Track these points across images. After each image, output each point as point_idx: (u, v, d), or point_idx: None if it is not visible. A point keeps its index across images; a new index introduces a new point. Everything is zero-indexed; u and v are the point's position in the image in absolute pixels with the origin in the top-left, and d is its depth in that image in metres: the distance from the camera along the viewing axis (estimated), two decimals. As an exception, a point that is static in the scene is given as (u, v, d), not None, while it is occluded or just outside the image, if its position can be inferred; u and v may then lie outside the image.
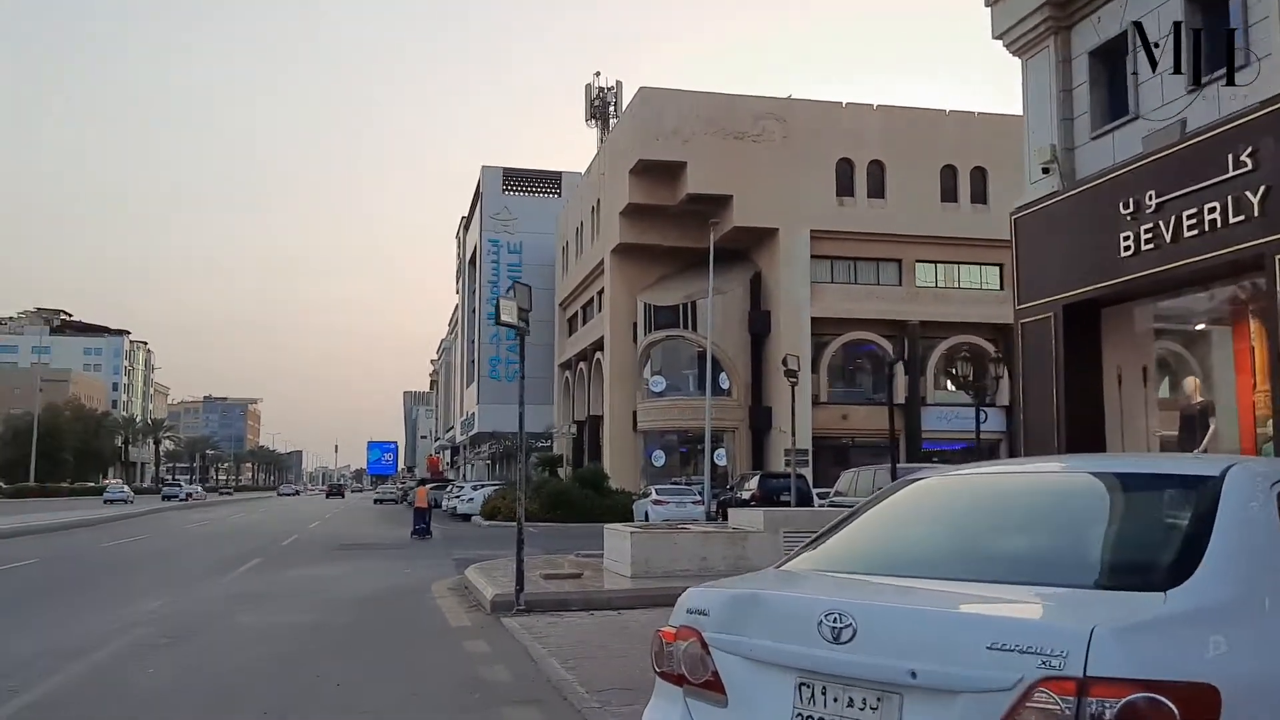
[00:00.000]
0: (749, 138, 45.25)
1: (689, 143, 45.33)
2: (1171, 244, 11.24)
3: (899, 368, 45.07)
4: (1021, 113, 14.31)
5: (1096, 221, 12.44)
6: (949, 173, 46.59)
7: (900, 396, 45.68)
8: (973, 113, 47.35)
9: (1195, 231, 10.91)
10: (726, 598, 3.33)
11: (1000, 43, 14.44)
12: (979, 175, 46.58)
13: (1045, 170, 13.43)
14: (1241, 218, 10.30)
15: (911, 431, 44.05)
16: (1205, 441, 12.34)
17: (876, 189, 45.90)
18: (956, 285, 46.54)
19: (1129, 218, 11.86)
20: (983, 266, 46.96)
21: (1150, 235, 11.54)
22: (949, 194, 46.52)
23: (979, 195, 46.47)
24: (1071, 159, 13.39)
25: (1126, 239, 11.90)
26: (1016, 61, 14.39)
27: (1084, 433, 12.94)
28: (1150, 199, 11.51)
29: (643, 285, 51.10)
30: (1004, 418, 44.02)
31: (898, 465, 32.63)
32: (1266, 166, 10.02)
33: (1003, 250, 44.97)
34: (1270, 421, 11.60)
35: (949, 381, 48.11)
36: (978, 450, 43.60)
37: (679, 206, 46.92)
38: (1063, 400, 13.02)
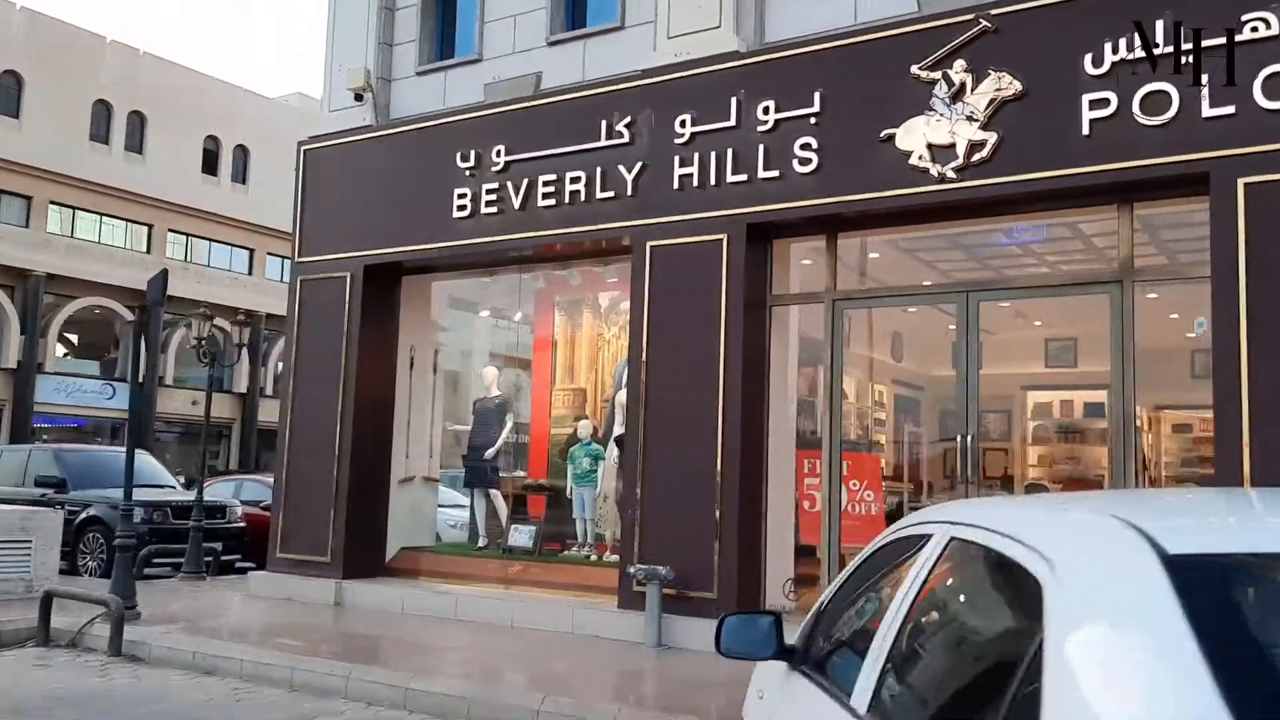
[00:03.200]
0: None
1: None
2: (520, 210, 9.67)
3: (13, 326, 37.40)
4: (327, 27, 11.54)
5: (422, 172, 10.36)
6: (103, 109, 40.31)
7: (12, 360, 38.10)
8: (138, 50, 41.80)
9: (552, 201, 9.49)
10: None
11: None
12: (137, 119, 41.20)
13: (358, 98, 10.90)
14: (611, 194, 9.14)
15: (23, 402, 36.72)
16: (500, 440, 11.04)
17: (11, 106, 37.54)
18: (97, 240, 40.37)
19: (468, 173, 10.01)
20: (130, 224, 41.58)
21: (495, 197, 9.83)
22: (100, 134, 40.26)
23: (135, 144, 41.03)
24: (388, 91, 11.10)
25: (462, 197, 10.02)
26: None
27: (370, 419, 10.68)
28: (498, 155, 9.81)
29: None
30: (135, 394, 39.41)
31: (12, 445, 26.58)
32: (643, 141, 9.02)
33: (155, 210, 40.52)
34: (583, 421, 10.73)
35: (67, 349, 41.60)
36: (93, 431, 38.37)
37: None
38: (353, 380, 10.58)
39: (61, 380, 39.35)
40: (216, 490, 17.17)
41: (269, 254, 41.84)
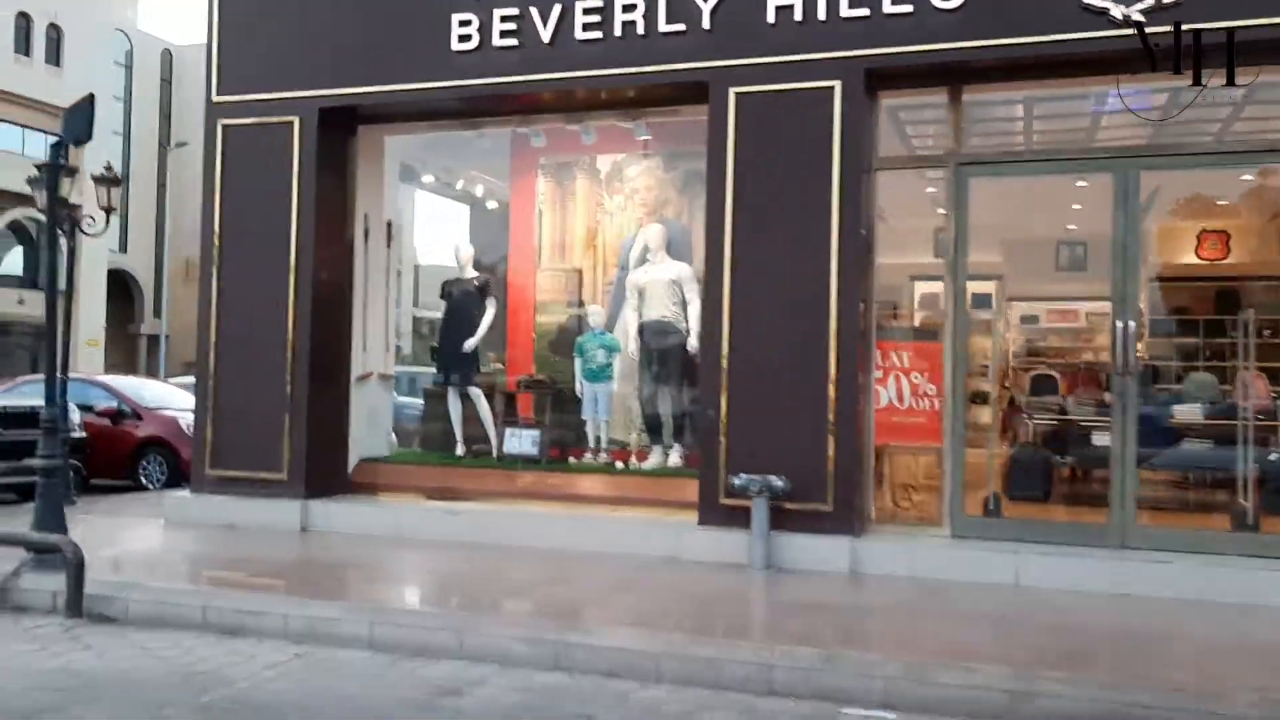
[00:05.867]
0: None
1: None
2: (550, 46, 7.82)
3: None
4: None
5: (405, -12, 8.23)
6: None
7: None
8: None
9: (597, 35, 7.71)
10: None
11: None
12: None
13: (303, -110, 8.48)
14: (680, 27, 7.50)
15: None
16: (481, 329, 9.23)
17: None
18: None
19: (472, -6, 8.01)
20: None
21: (513, 28, 7.91)
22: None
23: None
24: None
25: (465, 25, 8.02)
26: None
27: (327, 305, 8.63)
28: (516, -26, 7.88)
29: None
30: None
31: None
32: (723, -36, 7.42)
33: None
34: (593, 308, 9.16)
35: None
36: None
37: None
38: (308, 256, 8.43)
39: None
40: (25, 393, 14.01)
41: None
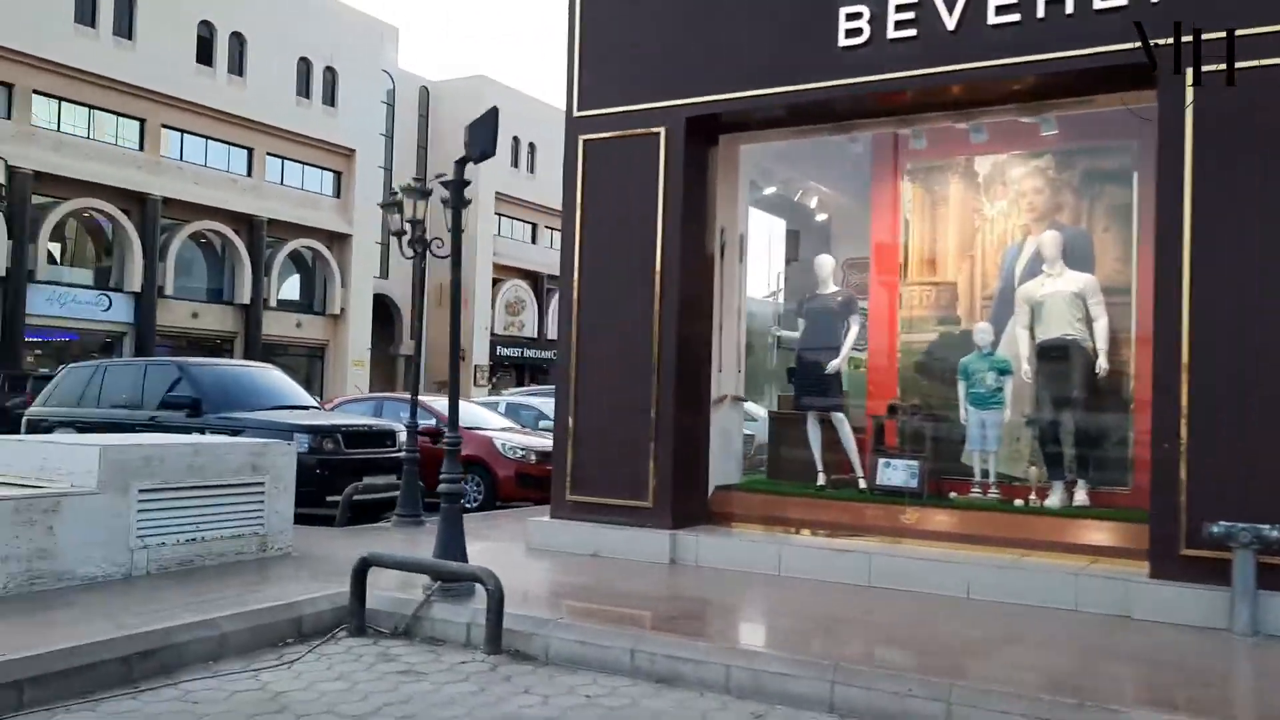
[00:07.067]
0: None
1: None
2: (953, 34, 7.03)
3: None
4: None
5: (782, -16, 7.65)
6: (206, 29, 37.59)
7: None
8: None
9: (1014, 18, 6.85)
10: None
11: None
12: (237, 41, 37.95)
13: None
14: (1119, 2, 6.54)
15: (14, 314, 33.59)
16: (845, 349, 8.51)
17: (124, 28, 34.43)
18: (87, 135, 36.85)
19: (863, -15, 7.32)
20: (120, 117, 38.20)
21: (910, 17, 7.16)
22: (204, 56, 37.22)
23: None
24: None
25: (855, 19, 7.34)
26: None
27: (690, 324, 8.12)
28: (915, -42, 7.14)
29: None
30: (133, 305, 35.87)
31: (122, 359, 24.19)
32: (1173, -73, 6.40)
33: (146, 102, 36.89)
34: (980, 326, 8.25)
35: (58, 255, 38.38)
36: (93, 344, 35.37)
37: None
38: (674, 274, 7.96)
39: (53, 290, 36.00)
40: (348, 413, 14.45)
41: (268, 154, 38.46)
